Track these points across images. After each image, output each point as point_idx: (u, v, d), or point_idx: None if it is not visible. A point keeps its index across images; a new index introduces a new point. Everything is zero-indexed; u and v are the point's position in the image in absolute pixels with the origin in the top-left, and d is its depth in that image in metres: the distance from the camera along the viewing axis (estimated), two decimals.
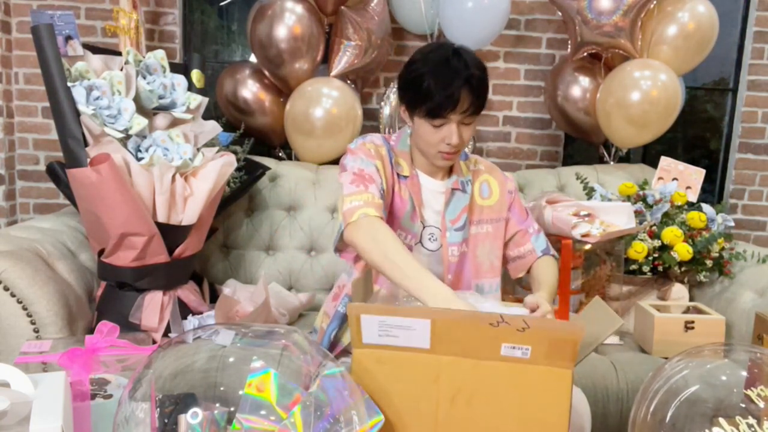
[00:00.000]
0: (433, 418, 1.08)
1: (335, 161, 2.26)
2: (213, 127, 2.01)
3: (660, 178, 2.30)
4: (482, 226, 1.59)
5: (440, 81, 1.38)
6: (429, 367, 1.08)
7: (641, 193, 2.25)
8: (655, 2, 2.38)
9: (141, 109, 1.88)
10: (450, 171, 1.58)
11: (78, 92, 1.76)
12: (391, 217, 1.51)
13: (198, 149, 1.94)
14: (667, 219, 2.17)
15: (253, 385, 0.92)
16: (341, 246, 1.54)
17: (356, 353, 1.10)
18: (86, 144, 1.76)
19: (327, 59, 2.50)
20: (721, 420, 0.98)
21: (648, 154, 2.94)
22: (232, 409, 0.94)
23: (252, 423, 0.90)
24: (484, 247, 1.58)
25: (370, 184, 1.42)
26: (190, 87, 2.02)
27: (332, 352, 1.57)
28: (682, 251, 2.06)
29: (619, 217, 1.97)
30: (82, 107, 1.75)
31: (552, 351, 1.03)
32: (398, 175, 1.53)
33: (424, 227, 1.54)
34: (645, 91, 2.32)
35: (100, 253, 1.83)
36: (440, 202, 1.55)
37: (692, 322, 1.89)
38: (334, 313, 1.59)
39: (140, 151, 1.84)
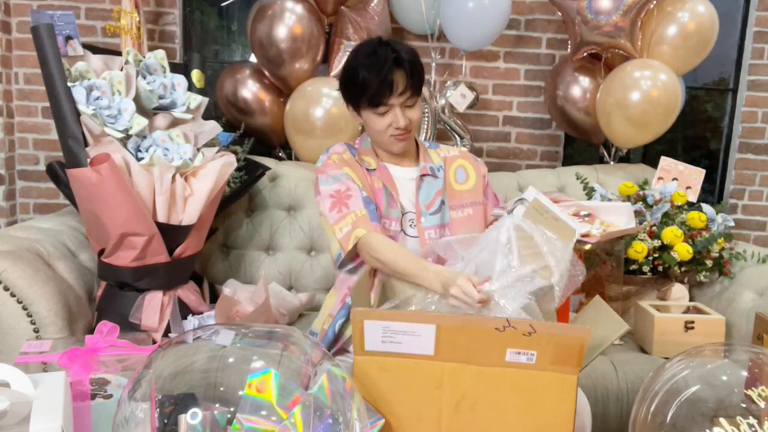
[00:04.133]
0: (437, 424, 1.08)
1: None
2: (213, 127, 2.01)
3: (660, 178, 2.30)
4: (463, 210, 1.62)
5: (372, 69, 1.46)
6: (432, 374, 1.07)
7: (641, 193, 2.25)
8: (655, 2, 2.38)
9: (141, 109, 1.88)
10: (417, 159, 1.64)
11: (78, 92, 1.76)
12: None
13: (198, 149, 1.94)
14: (667, 219, 2.17)
15: (253, 386, 0.91)
16: (342, 265, 1.59)
17: (358, 360, 1.09)
18: (86, 144, 1.76)
19: (327, 59, 2.50)
20: (722, 420, 0.98)
21: (648, 154, 2.94)
22: (232, 409, 0.94)
23: (252, 423, 0.90)
24: (466, 232, 1.59)
25: (349, 200, 1.51)
26: (190, 87, 2.02)
27: (335, 345, 1.58)
28: (682, 251, 2.06)
29: (619, 217, 1.97)
30: (82, 107, 1.75)
31: (558, 356, 1.03)
32: (367, 170, 1.60)
33: (403, 214, 1.59)
34: (645, 91, 2.32)
35: (100, 253, 1.83)
36: (411, 189, 1.60)
37: (692, 322, 1.89)
38: (340, 306, 1.59)
39: (140, 151, 1.84)
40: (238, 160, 2.13)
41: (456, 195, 1.62)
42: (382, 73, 1.45)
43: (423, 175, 1.60)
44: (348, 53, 2.43)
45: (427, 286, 1.34)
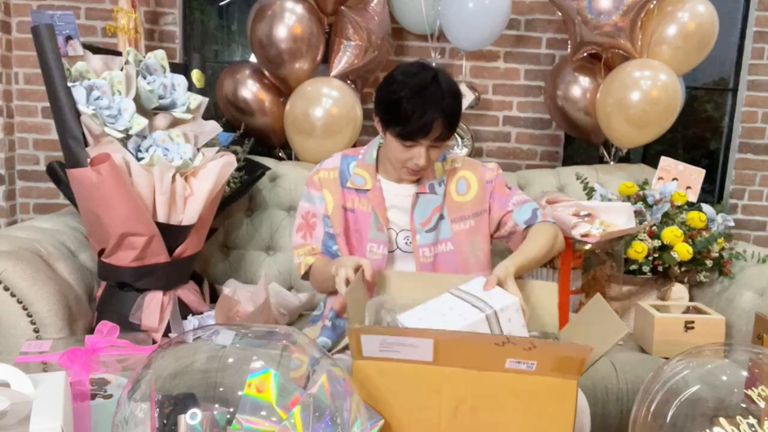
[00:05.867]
0: (436, 428, 1.07)
1: None
2: (213, 127, 2.01)
3: (660, 178, 2.30)
4: (465, 222, 1.61)
5: (416, 109, 1.42)
6: (432, 378, 1.07)
7: (641, 193, 2.25)
8: (655, 2, 2.38)
9: (141, 109, 1.88)
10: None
11: (78, 92, 1.76)
12: (358, 234, 1.59)
13: (198, 149, 1.94)
14: (667, 219, 2.17)
15: (252, 386, 0.91)
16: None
17: (357, 363, 1.08)
18: (86, 144, 1.76)
19: (327, 59, 2.50)
20: (722, 420, 0.98)
21: (648, 154, 2.94)
22: (231, 409, 0.94)
23: (252, 423, 0.90)
24: (468, 243, 1.60)
25: (313, 231, 1.62)
26: (190, 87, 2.02)
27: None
28: (682, 251, 2.06)
29: (619, 217, 1.97)
30: (82, 107, 1.75)
31: (558, 366, 1.03)
32: (357, 190, 1.60)
33: (397, 233, 1.59)
34: (645, 91, 2.32)
35: (100, 253, 1.83)
36: (407, 207, 1.59)
37: (692, 322, 1.89)
38: (321, 329, 1.62)
39: (140, 151, 1.84)
40: (238, 160, 2.13)
41: (457, 207, 1.61)
42: (423, 117, 1.41)
43: (419, 193, 1.59)
44: (347, 52, 2.46)
45: (332, 272, 1.39)
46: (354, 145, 2.46)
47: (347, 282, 1.33)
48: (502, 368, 1.05)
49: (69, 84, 1.75)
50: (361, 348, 1.06)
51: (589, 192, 2.31)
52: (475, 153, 2.72)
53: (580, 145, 2.95)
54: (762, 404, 0.99)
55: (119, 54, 1.99)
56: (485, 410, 1.06)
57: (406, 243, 1.59)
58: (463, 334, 1.11)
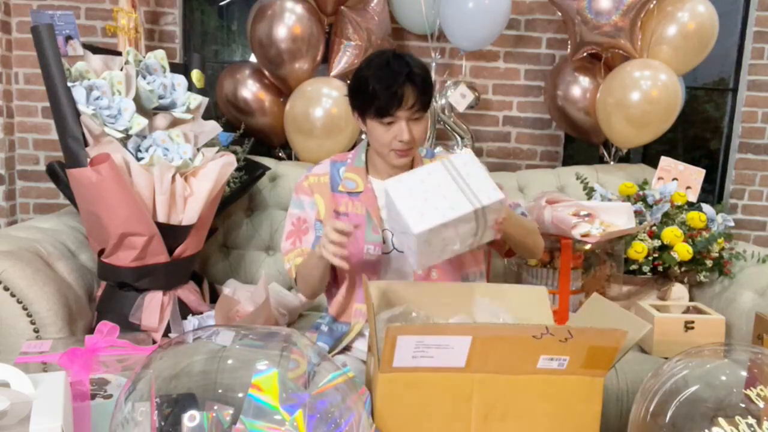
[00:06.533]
0: None
1: None
2: (213, 127, 2.02)
3: (660, 178, 2.30)
4: None
5: (384, 81, 1.46)
6: (462, 387, 1.06)
7: (641, 193, 2.25)
8: (654, 2, 2.38)
9: (141, 109, 1.88)
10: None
11: (78, 92, 1.76)
12: (352, 237, 1.56)
13: (198, 149, 1.94)
14: (667, 219, 2.17)
15: (256, 386, 0.91)
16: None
17: (383, 378, 1.06)
18: (86, 144, 1.76)
19: (327, 59, 2.50)
20: (721, 420, 0.98)
21: (648, 154, 2.94)
22: (231, 410, 0.94)
23: (255, 425, 0.89)
24: None
25: (305, 236, 1.60)
26: (190, 87, 2.02)
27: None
28: (682, 251, 2.06)
29: (619, 217, 1.97)
30: (82, 107, 1.75)
31: (590, 359, 1.03)
32: (349, 193, 1.60)
33: (392, 234, 1.58)
34: (645, 91, 2.32)
35: (100, 253, 1.83)
36: None
37: (692, 322, 1.89)
38: (317, 335, 1.63)
39: (140, 151, 1.84)
40: (238, 160, 2.13)
41: None
42: (393, 86, 1.44)
43: None
44: (347, 52, 2.46)
45: (317, 254, 1.42)
46: (353, 145, 2.46)
47: (338, 242, 1.36)
48: (533, 369, 1.04)
49: (69, 84, 1.76)
50: (394, 355, 1.03)
51: (589, 192, 2.31)
52: (475, 153, 2.71)
53: (580, 145, 2.95)
54: (761, 404, 0.99)
55: (119, 54, 1.99)
56: (515, 416, 1.06)
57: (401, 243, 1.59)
58: (501, 326, 1.10)
